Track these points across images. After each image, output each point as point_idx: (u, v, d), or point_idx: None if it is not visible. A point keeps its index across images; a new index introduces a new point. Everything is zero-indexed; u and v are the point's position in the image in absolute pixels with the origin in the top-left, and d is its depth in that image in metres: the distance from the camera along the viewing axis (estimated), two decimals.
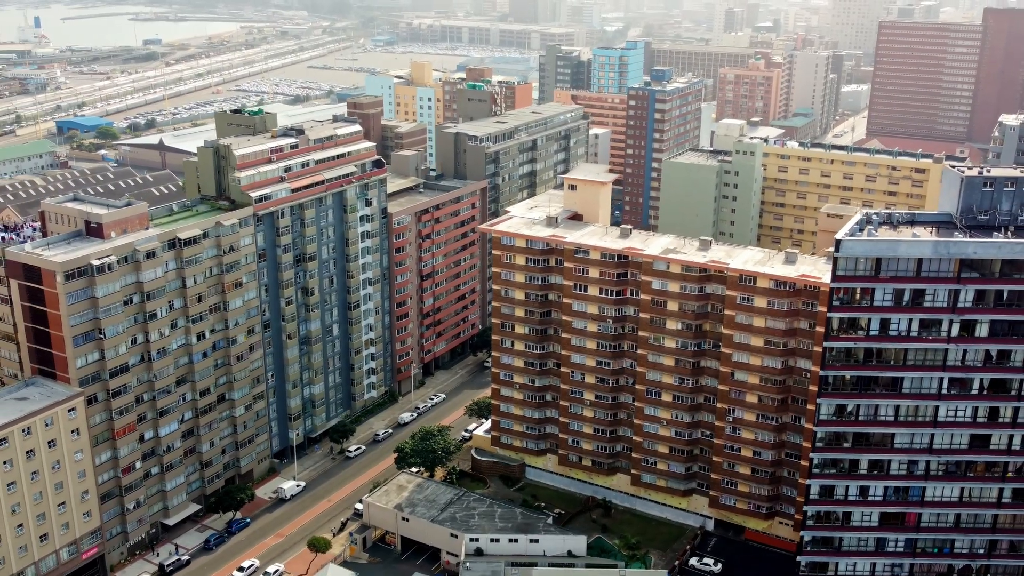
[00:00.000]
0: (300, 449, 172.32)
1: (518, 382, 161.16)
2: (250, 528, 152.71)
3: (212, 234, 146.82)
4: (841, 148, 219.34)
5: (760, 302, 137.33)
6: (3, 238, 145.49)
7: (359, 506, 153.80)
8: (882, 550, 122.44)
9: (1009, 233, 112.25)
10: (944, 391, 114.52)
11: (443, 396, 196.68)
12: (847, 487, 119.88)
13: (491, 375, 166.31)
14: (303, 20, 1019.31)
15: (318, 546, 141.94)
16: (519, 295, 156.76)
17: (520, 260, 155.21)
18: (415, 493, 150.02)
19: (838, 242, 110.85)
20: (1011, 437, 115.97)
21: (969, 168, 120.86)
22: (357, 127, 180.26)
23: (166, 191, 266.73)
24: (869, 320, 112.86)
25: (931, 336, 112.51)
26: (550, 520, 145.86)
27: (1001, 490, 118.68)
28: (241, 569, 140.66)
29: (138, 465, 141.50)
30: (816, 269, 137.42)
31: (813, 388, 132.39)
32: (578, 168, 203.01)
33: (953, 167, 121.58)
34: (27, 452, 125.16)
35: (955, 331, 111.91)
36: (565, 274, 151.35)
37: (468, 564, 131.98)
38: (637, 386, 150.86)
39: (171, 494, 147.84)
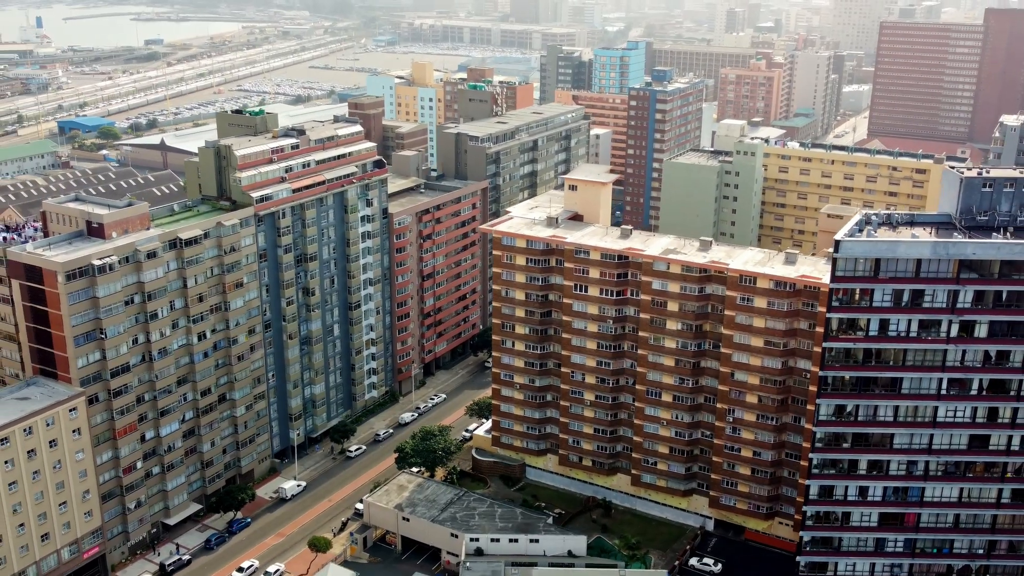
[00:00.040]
0: (301, 449, 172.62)
1: (518, 382, 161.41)
2: (251, 528, 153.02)
3: (213, 234, 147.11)
4: (842, 148, 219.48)
5: (760, 302, 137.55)
6: (5, 238, 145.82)
7: (360, 506, 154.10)
8: (881, 550, 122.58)
9: (1008, 234, 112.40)
10: (943, 392, 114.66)
11: (444, 396, 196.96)
12: (846, 487, 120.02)
13: (491, 375, 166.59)
14: (305, 20, 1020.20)
15: (319, 546, 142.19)
16: (519, 295, 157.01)
17: (520, 260, 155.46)
18: (415, 493, 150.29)
19: (837, 243, 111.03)
20: (1010, 438, 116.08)
21: (968, 169, 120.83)
22: (358, 127, 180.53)
23: (167, 191, 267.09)
24: (868, 321, 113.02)
25: (930, 337, 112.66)
26: (550, 520, 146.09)
27: (1000, 490, 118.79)
28: (240, 570, 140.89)
29: (139, 465, 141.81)
30: (816, 270, 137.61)
31: (813, 388, 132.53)
32: (578, 168, 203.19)
33: (952, 168, 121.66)
34: (28, 452, 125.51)
35: (954, 332, 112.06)
36: (565, 274, 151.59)
37: (468, 564, 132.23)
38: (637, 386, 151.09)
39: (172, 494, 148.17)
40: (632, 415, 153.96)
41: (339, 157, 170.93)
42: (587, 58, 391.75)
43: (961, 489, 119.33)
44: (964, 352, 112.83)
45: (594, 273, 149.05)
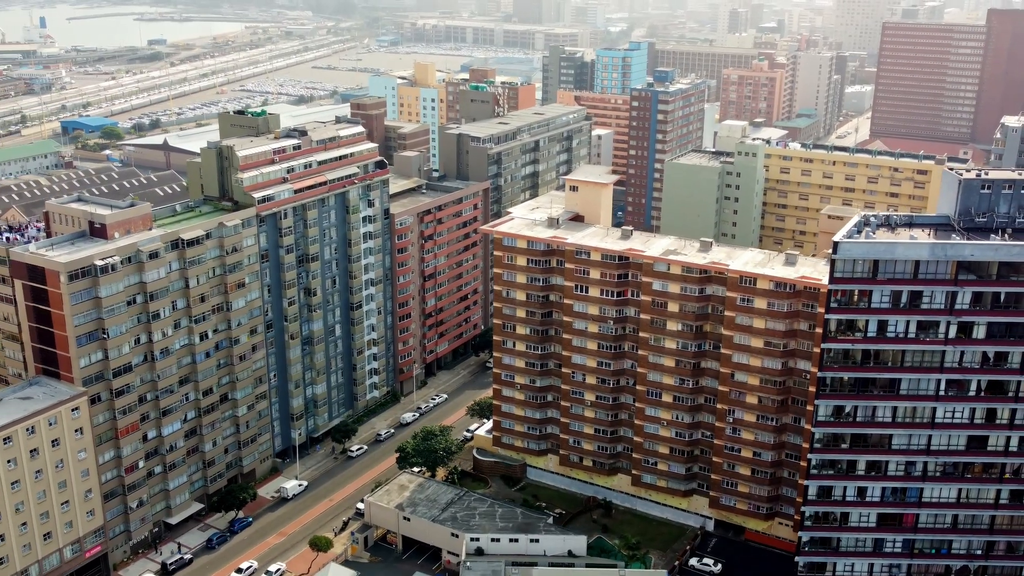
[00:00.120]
0: (302, 449, 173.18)
1: (519, 382, 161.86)
2: (252, 527, 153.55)
3: (215, 235, 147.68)
4: (843, 149, 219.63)
5: (760, 303, 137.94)
6: (8, 238, 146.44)
7: (361, 505, 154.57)
8: (880, 551, 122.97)
9: (1007, 235, 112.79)
10: (942, 392, 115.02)
11: (445, 396, 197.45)
12: (845, 488, 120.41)
13: (492, 375, 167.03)
14: (308, 20, 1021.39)
15: (320, 545, 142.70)
16: (520, 296, 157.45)
17: (521, 261, 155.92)
18: (416, 493, 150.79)
19: (835, 244, 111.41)
20: (1008, 438, 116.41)
21: (967, 171, 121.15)
22: (360, 128, 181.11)
23: (170, 191, 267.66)
24: (867, 322, 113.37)
25: (928, 338, 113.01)
26: (551, 520, 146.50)
27: (999, 491, 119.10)
28: (240, 571, 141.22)
29: (141, 464, 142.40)
30: (816, 271, 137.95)
31: (813, 389, 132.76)
32: (579, 169, 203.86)
33: (951, 169, 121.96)
34: (31, 451, 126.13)
35: (952, 333, 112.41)
36: (566, 275, 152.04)
37: (469, 563, 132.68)
38: (638, 387, 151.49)
39: (174, 493, 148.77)
40: (632, 415, 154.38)
41: (341, 158, 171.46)
42: (589, 59, 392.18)
43: (959, 490, 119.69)
44: (962, 353, 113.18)
45: (595, 274, 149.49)
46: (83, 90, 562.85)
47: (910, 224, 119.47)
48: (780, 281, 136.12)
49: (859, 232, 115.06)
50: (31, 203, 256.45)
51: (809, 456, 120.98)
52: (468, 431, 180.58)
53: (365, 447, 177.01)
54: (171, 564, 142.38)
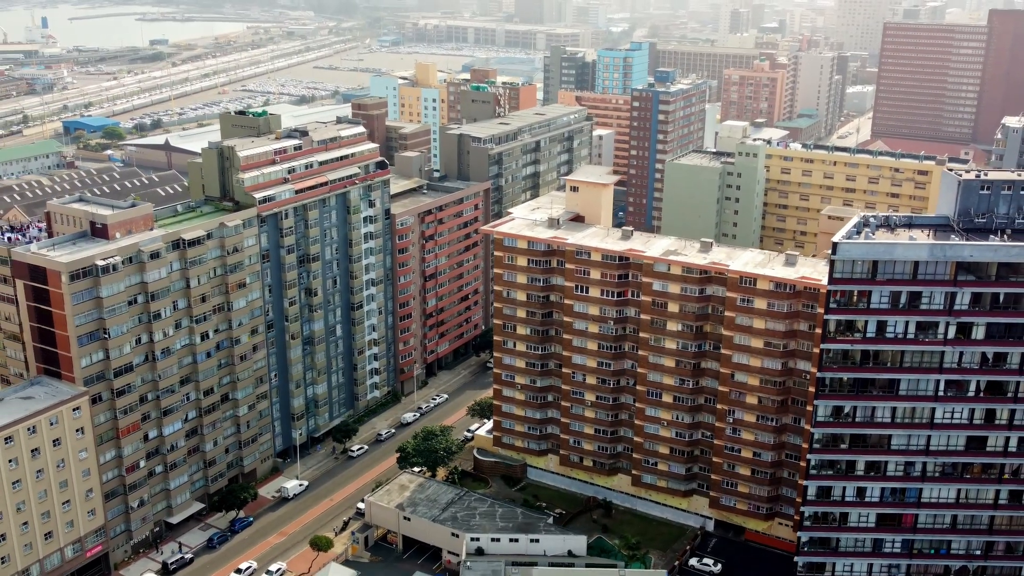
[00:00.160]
0: (303, 448, 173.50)
1: (520, 383, 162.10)
2: (253, 527, 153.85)
3: (216, 235, 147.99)
4: (844, 150, 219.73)
5: (760, 304, 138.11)
6: (10, 238, 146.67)
7: (361, 505, 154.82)
8: (879, 551, 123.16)
9: (1006, 236, 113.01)
10: (941, 393, 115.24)
11: (446, 396, 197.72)
12: (844, 488, 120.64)
13: (493, 375, 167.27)
14: (309, 20, 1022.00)
15: (320, 545, 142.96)
16: (521, 296, 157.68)
17: (522, 261, 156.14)
18: (417, 493, 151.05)
19: (835, 244, 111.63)
20: (1007, 439, 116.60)
21: (967, 171, 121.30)
22: (361, 128, 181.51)
23: (172, 191, 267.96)
24: (866, 322, 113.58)
25: (928, 338, 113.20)
26: (551, 520, 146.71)
27: (998, 491, 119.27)
28: (239, 571, 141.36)
29: (142, 464, 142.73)
30: (816, 271, 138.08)
31: (813, 390, 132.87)
32: (580, 170, 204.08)
33: (951, 170, 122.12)
34: (32, 450, 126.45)
35: (951, 333, 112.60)
36: (566, 275, 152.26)
37: (469, 563, 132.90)
38: (638, 387, 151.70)
39: (175, 493, 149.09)
40: (633, 416, 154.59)
41: (342, 158, 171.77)
42: (591, 59, 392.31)
43: (959, 490, 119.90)
44: (961, 354, 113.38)
45: (595, 274, 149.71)
46: (85, 90, 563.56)
47: (909, 225, 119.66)
48: (780, 281, 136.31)
49: (858, 233, 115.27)
50: (33, 203, 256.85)
51: (808, 456, 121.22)
52: (469, 431, 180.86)
53: (366, 447, 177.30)
54: (172, 563, 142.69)
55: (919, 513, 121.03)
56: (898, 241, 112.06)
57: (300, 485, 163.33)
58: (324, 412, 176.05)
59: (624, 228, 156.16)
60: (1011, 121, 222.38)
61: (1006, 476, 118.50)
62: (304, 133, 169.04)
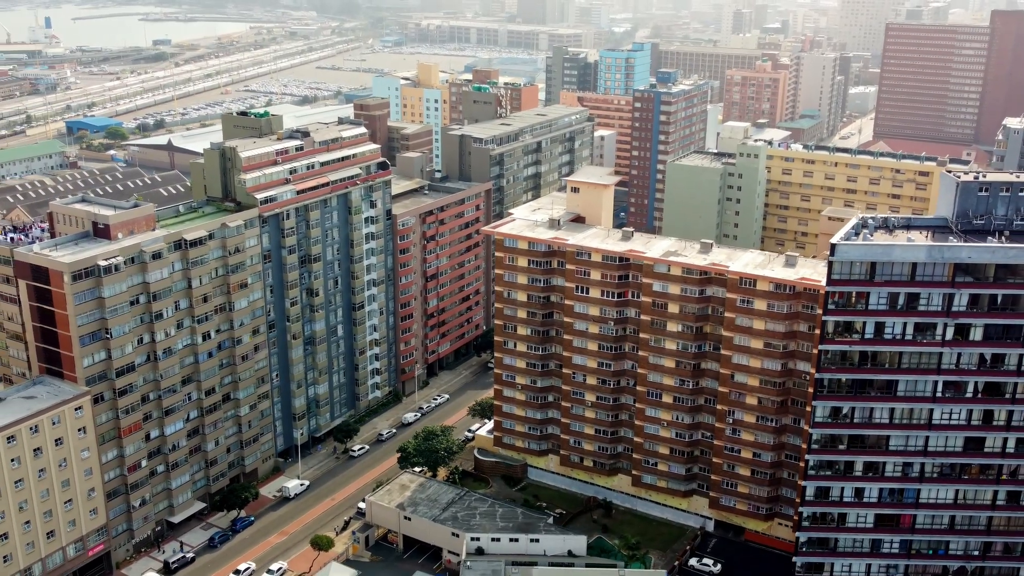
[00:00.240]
0: (304, 448, 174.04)
1: (520, 383, 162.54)
2: (254, 526, 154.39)
3: (218, 235, 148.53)
4: (845, 151, 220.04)
5: (760, 305, 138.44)
6: (12, 239, 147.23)
7: (362, 505, 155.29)
8: (877, 551, 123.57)
9: (1004, 238, 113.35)
10: (939, 394, 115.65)
11: (447, 396, 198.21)
12: (842, 489, 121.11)
13: (493, 376, 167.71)
14: (312, 20, 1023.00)
15: (321, 544, 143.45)
16: (521, 297, 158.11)
17: (522, 262, 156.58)
18: (417, 492, 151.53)
19: (833, 246, 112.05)
20: (1005, 440, 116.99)
21: (965, 173, 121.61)
22: (362, 129, 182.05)
23: (174, 191, 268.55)
24: (864, 323, 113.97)
25: (926, 339, 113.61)
26: (551, 520, 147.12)
27: (996, 492, 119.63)
28: (237, 572, 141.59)
29: (144, 463, 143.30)
30: (816, 272, 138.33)
31: (812, 390, 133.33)
32: (581, 170, 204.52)
33: (949, 172, 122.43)
34: (34, 450, 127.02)
35: (949, 335, 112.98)
36: (567, 276, 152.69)
37: (469, 563, 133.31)
38: (638, 387, 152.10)
39: (176, 492, 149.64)
40: (633, 416, 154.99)
41: (343, 159, 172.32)
42: (593, 59, 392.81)
43: (957, 491, 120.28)
44: (959, 355, 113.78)
45: (595, 275, 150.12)
46: (88, 90, 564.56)
47: (908, 226, 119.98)
48: (780, 282, 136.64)
49: (857, 234, 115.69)
50: (36, 203, 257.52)
51: (807, 457, 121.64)
52: (469, 431, 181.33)
53: (367, 447, 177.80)
54: (173, 563, 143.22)
55: (917, 514, 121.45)
56: (896, 242, 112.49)
57: (301, 485, 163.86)
58: (325, 412, 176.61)
59: (624, 229, 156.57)
60: (1012, 122, 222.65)
61: (1004, 477, 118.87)
62: (306, 134, 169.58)
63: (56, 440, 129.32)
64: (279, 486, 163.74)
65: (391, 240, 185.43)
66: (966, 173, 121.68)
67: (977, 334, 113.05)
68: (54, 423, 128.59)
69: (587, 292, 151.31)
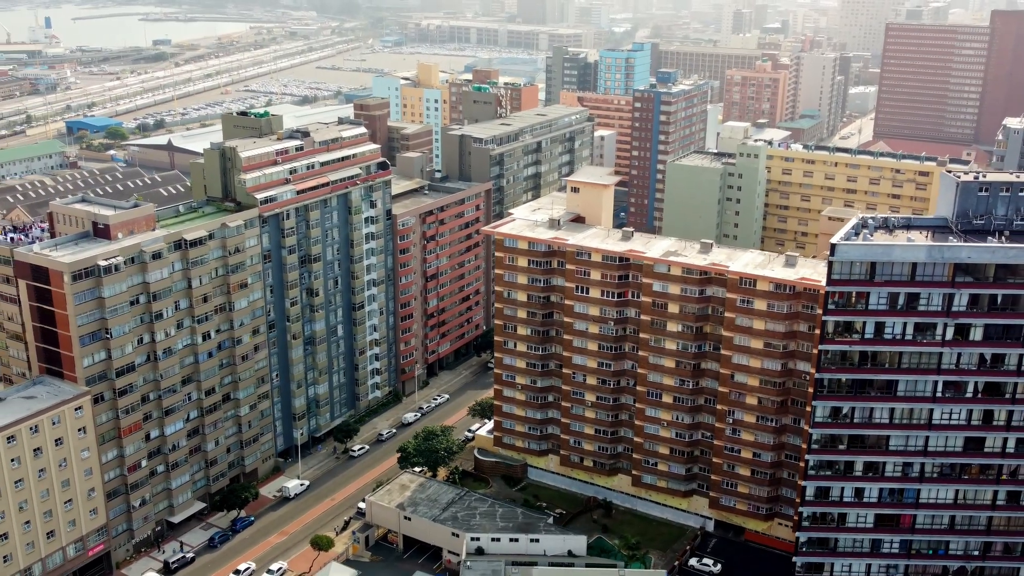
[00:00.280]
0: (304, 448, 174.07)
1: (520, 383, 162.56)
2: (254, 526, 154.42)
3: (218, 235, 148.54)
4: (845, 151, 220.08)
5: (760, 305, 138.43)
6: (12, 239, 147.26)
7: (362, 505, 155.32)
8: (877, 551, 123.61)
9: (1004, 238, 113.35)
10: (939, 394, 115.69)
11: (447, 396, 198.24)
12: (842, 489, 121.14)
13: (493, 376, 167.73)
14: (312, 20, 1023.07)
15: (321, 544, 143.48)
16: (521, 297, 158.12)
17: (522, 262, 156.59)
18: (417, 492, 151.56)
19: (833, 246, 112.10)
20: (1005, 440, 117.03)
21: (965, 173, 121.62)
22: (362, 129, 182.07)
23: (174, 191, 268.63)
24: (864, 323, 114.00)
25: (926, 339, 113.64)
26: (551, 520, 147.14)
27: (996, 492, 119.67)
28: (237, 572, 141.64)
29: (144, 463, 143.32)
30: (816, 272, 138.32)
31: (812, 390, 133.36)
32: (581, 170, 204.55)
33: (949, 172, 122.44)
34: (34, 450, 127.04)
35: (949, 335, 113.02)
36: (567, 276, 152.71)
37: (469, 563, 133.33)
38: (638, 387, 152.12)
39: (176, 492, 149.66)
40: (633, 416, 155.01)
41: (343, 159, 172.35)
42: (593, 59, 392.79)
43: (957, 491, 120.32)
44: (959, 355, 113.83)
45: (595, 275, 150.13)
46: (88, 90, 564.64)
47: (908, 226, 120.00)
48: (780, 283, 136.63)
49: (857, 234, 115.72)
50: (36, 203, 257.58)
51: (807, 457, 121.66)
52: (469, 431, 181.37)
53: (367, 447, 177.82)
54: (173, 563, 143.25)
55: (917, 514, 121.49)
56: (896, 242, 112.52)
57: (301, 485, 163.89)
58: (325, 412, 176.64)
59: (624, 229, 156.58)
60: (1012, 122, 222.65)
61: (1004, 477, 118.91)
62: (306, 134, 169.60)
63: (56, 440, 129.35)
64: (279, 486, 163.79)
65: (391, 240, 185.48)
66: (966, 173, 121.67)
67: (977, 334, 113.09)
68: (54, 423, 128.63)
69: (587, 292, 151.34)
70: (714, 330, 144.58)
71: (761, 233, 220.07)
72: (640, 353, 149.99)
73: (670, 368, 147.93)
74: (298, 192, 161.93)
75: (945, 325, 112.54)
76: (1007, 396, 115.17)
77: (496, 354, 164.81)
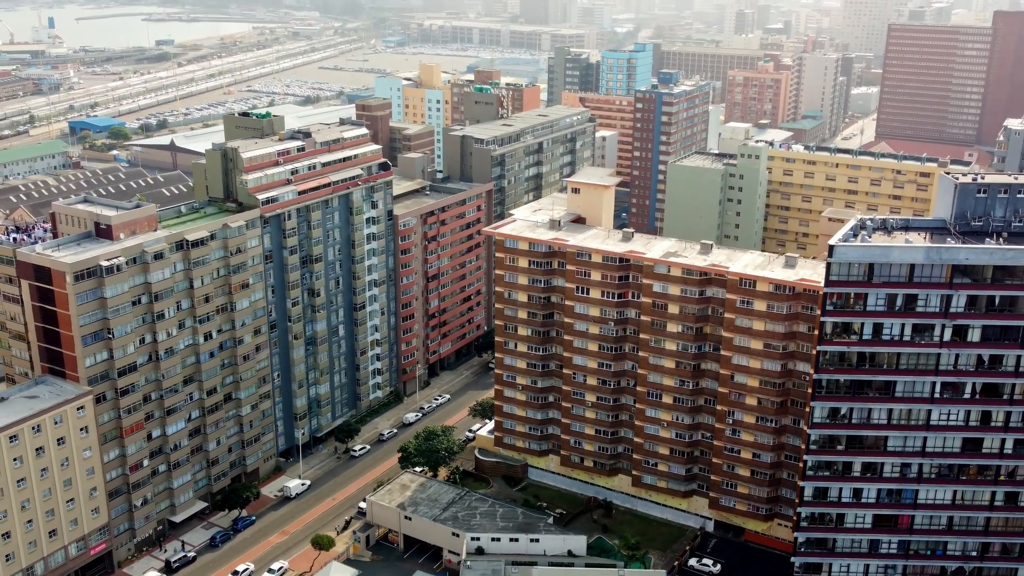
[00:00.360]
0: (305, 448, 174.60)
1: (521, 383, 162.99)
2: (255, 526, 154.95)
3: (219, 236, 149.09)
4: (846, 152, 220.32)
5: (760, 305, 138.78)
6: (15, 239, 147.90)
7: (363, 505, 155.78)
8: (875, 551, 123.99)
9: (1002, 239, 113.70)
10: (937, 395, 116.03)
11: (448, 397, 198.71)
12: (841, 489, 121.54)
13: (494, 376, 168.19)
14: (315, 21, 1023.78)
15: (322, 544, 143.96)
16: (522, 297, 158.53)
17: (523, 263, 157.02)
18: (418, 492, 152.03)
19: (831, 247, 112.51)
20: (1003, 441, 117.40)
21: (964, 175, 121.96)
22: (364, 130, 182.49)
23: (177, 191, 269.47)
24: (862, 324, 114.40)
25: (924, 340, 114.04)
26: (551, 520, 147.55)
27: (993, 493, 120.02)
28: (238, 572, 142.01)
29: (145, 463, 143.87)
30: (816, 273, 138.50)
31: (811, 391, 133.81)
32: (582, 171, 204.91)
33: (948, 173, 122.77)
34: (37, 449, 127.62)
35: (947, 336, 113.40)
36: (567, 277, 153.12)
37: (469, 563, 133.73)
38: (638, 388, 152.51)
39: (178, 491, 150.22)
40: (633, 416, 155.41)
41: (345, 159, 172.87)
42: (595, 60, 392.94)
43: (955, 491, 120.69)
44: (957, 356, 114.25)
45: (596, 276, 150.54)
46: (91, 90, 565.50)
47: (906, 228, 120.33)
48: (779, 283, 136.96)
49: (855, 235, 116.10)
50: (38, 203, 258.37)
51: (805, 457, 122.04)
52: (470, 431, 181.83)
53: (368, 447, 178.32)
54: (175, 562, 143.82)
55: (915, 514, 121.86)
56: (894, 244, 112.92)
57: (302, 484, 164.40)
58: (326, 412, 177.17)
59: (625, 230, 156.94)
60: (1013, 123, 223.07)
61: (1002, 478, 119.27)
62: (307, 135, 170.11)
63: (58, 439, 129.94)
64: (280, 486, 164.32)
65: (392, 240, 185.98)
66: (964, 175, 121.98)
67: (975, 335, 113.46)
68: (56, 423, 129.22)
69: (587, 293, 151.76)
70: (714, 331, 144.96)
71: (762, 234, 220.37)
72: (640, 353, 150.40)
73: (670, 368, 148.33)
74: (300, 193, 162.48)
75: (943, 326, 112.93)
76: (1005, 397, 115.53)
77: (497, 354, 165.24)
